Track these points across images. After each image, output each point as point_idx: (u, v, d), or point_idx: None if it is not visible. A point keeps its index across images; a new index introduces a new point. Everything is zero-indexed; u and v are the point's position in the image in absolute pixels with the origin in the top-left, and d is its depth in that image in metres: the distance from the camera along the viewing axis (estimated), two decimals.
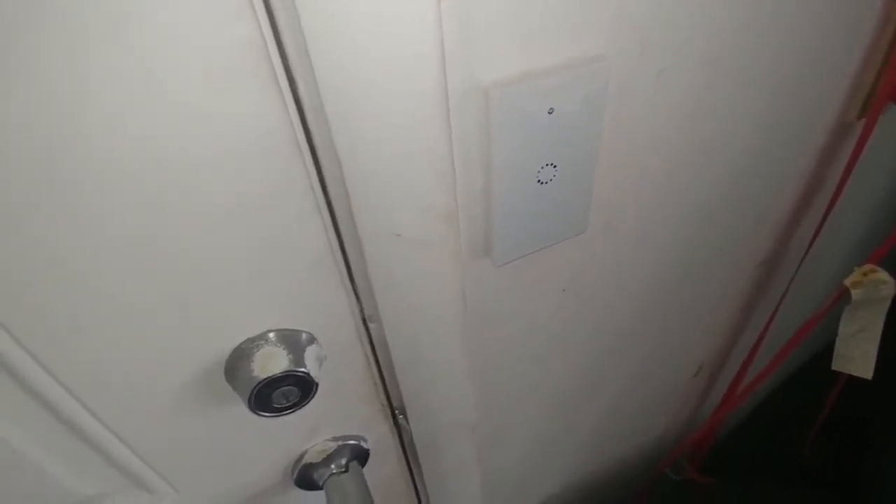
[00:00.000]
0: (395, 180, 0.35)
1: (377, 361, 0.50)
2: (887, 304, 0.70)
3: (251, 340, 0.40)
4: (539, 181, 0.41)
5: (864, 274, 0.69)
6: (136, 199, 0.30)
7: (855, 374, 0.78)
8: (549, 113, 0.38)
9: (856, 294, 0.69)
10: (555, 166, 0.41)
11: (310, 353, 0.42)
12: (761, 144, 0.59)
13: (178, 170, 0.30)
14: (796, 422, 1.04)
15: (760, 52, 0.50)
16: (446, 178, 0.36)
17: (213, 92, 0.28)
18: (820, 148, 0.66)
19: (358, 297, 0.44)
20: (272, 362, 0.39)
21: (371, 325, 0.47)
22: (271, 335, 0.41)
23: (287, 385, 0.39)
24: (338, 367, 0.47)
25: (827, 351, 0.79)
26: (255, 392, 0.38)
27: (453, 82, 0.35)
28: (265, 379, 0.38)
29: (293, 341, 0.41)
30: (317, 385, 0.41)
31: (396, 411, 0.56)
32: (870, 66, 0.60)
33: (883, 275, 0.68)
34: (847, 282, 0.70)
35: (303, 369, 0.39)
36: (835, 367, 0.79)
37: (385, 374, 0.51)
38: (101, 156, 0.28)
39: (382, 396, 0.53)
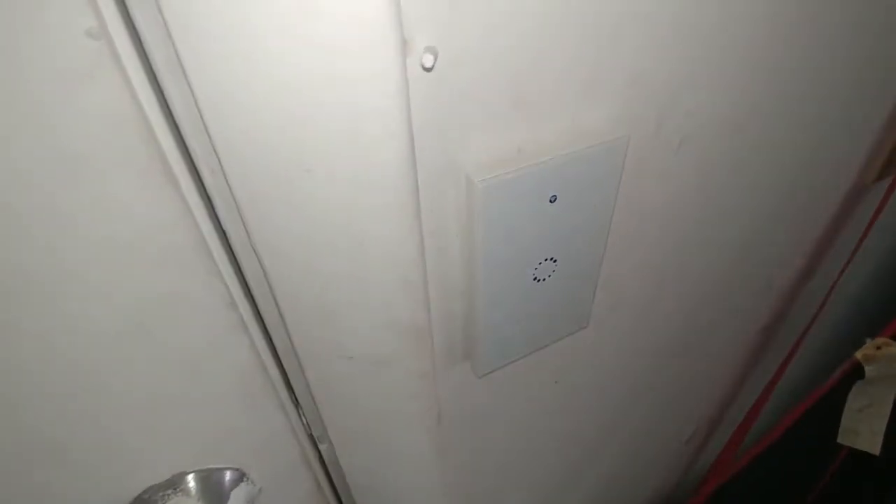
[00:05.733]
0: (344, 293, 0.26)
1: (332, 484, 0.40)
2: None
3: (156, 489, 0.30)
4: (535, 279, 0.33)
5: (878, 347, 0.63)
6: (19, 311, 0.21)
7: (861, 448, 0.72)
8: (552, 201, 0.29)
9: (869, 371, 0.63)
10: (555, 261, 0.33)
11: (236, 497, 0.32)
12: (778, 209, 0.53)
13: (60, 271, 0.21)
14: (794, 484, 0.98)
15: (782, 117, 0.43)
16: (414, 287, 0.27)
17: (98, 190, 0.20)
18: (835, 211, 0.60)
19: (303, 417, 0.35)
20: None
21: (321, 447, 0.37)
22: (186, 479, 0.31)
23: None
24: (281, 496, 0.37)
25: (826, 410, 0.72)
26: None
27: (427, 161, 0.26)
28: None
29: (213, 484, 0.32)
30: None
31: None
32: (890, 130, 0.54)
33: None
34: (859, 355, 0.64)
35: None
36: (840, 440, 0.73)
37: (343, 497, 0.41)
38: None
39: None
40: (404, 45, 0.21)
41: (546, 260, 0.32)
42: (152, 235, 0.23)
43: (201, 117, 0.19)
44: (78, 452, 0.27)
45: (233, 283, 0.26)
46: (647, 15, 0.29)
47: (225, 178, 0.21)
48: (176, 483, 0.31)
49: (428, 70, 0.21)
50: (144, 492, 0.30)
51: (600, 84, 0.30)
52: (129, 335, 0.25)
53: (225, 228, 0.24)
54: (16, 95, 0.18)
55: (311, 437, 0.36)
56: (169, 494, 0.30)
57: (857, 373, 0.68)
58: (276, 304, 0.26)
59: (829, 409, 0.75)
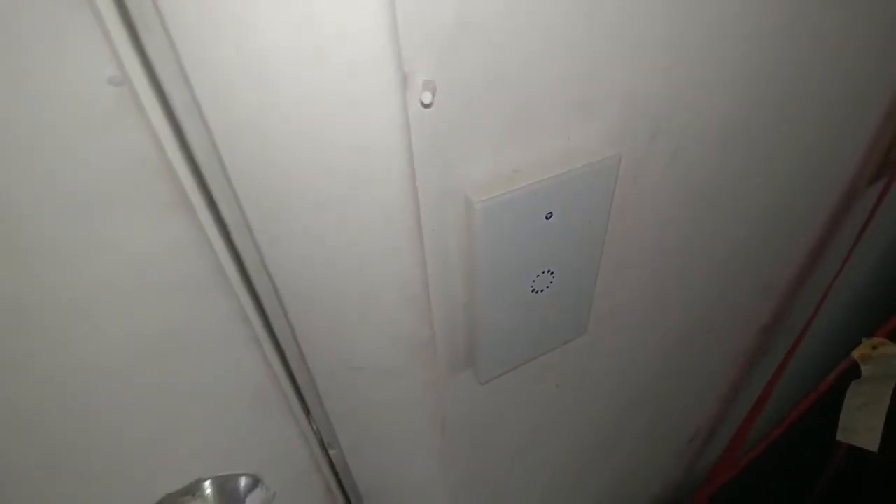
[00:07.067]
0: (352, 310, 0.28)
1: (342, 488, 0.42)
2: None
3: (174, 496, 0.32)
4: (533, 290, 0.34)
5: (874, 347, 0.64)
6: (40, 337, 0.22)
7: (860, 446, 0.73)
8: (547, 218, 0.31)
9: (865, 370, 0.64)
10: (552, 273, 0.34)
11: (252, 502, 0.34)
12: (774, 214, 0.54)
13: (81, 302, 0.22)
14: (796, 481, 0.99)
15: (776, 124, 0.44)
16: (418, 304, 0.29)
17: (125, 223, 0.22)
18: (830, 213, 0.61)
19: (313, 424, 0.36)
20: None
21: (332, 452, 0.39)
22: (203, 485, 0.32)
23: None
24: (294, 500, 0.39)
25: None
26: None
27: (428, 186, 0.28)
28: None
29: (229, 490, 0.33)
30: None
31: None
32: (882, 133, 0.55)
33: (893, 348, 0.63)
34: (855, 354, 0.65)
35: None
36: (840, 438, 0.74)
37: (353, 500, 0.43)
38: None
39: None
40: (405, 79, 0.23)
41: (543, 272, 0.34)
42: (175, 261, 0.24)
43: (218, 155, 0.21)
44: (100, 463, 0.29)
45: (246, 301, 0.27)
46: (640, 30, 0.30)
47: (240, 208, 0.23)
48: (193, 490, 0.32)
49: (427, 106, 0.23)
50: (164, 498, 0.32)
51: (594, 103, 0.31)
52: (154, 354, 0.27)
53: (239, 252, 0.25)
54: (44, 140, 0.19)
55: (321, 442, 0.38)
56: (187, 500, 0.32)
57: (854, 372, 0.69)
58: (288, 320, 0.28)
59: (829, 407, 0.77)
